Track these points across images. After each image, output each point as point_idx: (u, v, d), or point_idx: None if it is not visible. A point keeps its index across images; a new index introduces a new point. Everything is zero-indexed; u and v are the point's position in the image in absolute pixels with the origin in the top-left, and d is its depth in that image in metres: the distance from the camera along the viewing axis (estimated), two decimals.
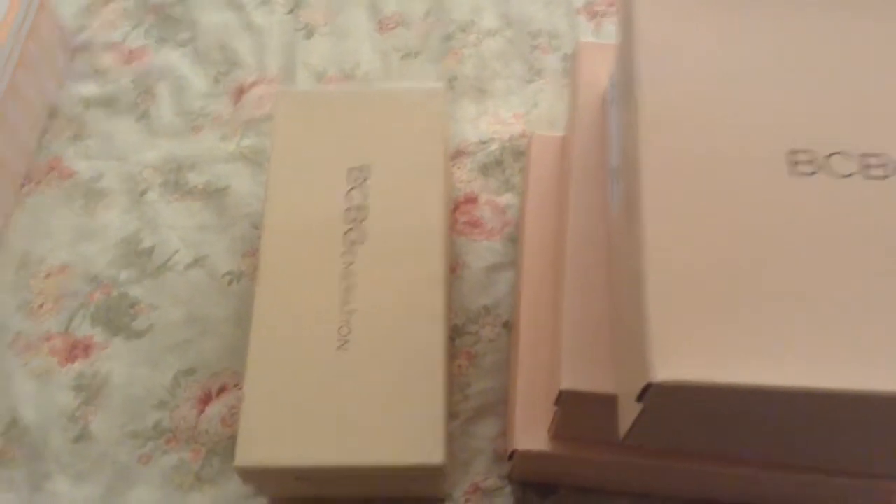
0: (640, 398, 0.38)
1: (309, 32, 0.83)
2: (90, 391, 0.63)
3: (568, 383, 0.47)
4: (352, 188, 0.62)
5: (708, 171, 0.43)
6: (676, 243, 0.40)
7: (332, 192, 0.62)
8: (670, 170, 0.43)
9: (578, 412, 0.50)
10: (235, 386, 0.64)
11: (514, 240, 0.72)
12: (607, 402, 0.47)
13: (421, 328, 0.57)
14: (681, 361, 0.37)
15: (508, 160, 0.76)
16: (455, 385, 0.64)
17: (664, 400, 0.38)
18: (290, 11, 0.84)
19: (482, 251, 0.71)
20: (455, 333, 0.66)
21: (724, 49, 0.48)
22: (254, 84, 0.79)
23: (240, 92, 0.79)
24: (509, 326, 0.67)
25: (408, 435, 0.53)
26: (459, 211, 0.73)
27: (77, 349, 0.65)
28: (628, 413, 0.41)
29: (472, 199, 0.74)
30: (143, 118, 0.77)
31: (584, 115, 0.58)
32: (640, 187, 0.42)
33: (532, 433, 0.55)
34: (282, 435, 0.53)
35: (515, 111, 0.79)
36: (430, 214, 0.62)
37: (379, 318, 0.57)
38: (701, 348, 0.38)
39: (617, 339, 0.47)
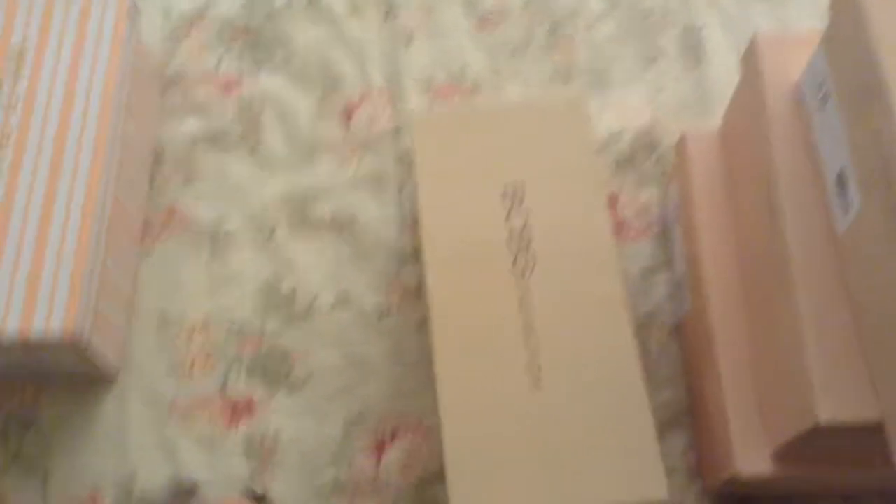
0: None
1: (408, 39, 0.78)
2: (262, 454, 0.60)
3: (826, 415, 0.43)
4: (510, 212, 0.59)
5: None
6: None
7: (490, 220, 0.58)
8: None
9: (822, 439, 0.46)
10: (408, 429, 0.60)
11: (662, 239, 0.68)
12: (861, 429, 0.44)
13: (611, 352, 0.54)
14: None
15: (641, 153, 0.72)
16: None
17: None
18: (385, 19, 0.79)
19: (632, 254, 0.68)
20: None
21: None
22: (360, 100, 0.75)
23: (348, 111, 0.75)
24: (676, 333, 0.64)
25: (625, 470, 0.50)
26: None
27: (239, 409, 0.62)
28: None
29: (611, 199, 0.70)
30: (254, 152, 0.73)
31: (774, 116, 0.53)
32: None
33: (753, 455, 0.52)
34: (492, 487, 0.50)
35: (640, 98, 0.74)
36: (596, 229, 0.58)
37: (566, 348, 0.54)
38: None
39: (885, 366, 0.43)
